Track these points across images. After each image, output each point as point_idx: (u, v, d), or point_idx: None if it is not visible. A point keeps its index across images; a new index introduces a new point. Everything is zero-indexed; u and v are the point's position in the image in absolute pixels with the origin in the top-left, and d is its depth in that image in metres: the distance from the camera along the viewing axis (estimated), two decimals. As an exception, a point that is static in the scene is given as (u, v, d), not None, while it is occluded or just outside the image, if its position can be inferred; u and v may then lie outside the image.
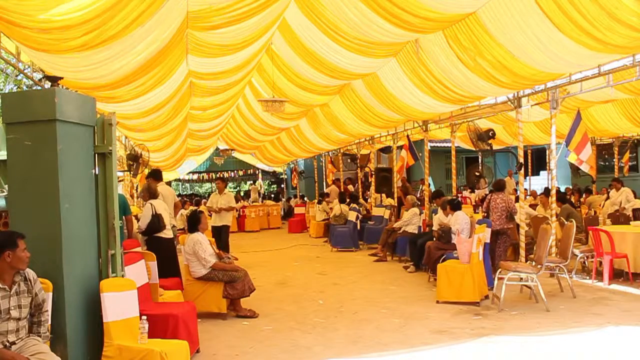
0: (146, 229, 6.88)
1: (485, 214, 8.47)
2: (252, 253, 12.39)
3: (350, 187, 17.73)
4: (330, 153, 19.16)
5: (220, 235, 10.66)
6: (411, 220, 10.24)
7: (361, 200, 15.04)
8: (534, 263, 6.71)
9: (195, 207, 14.40)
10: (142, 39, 4.93)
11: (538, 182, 18.94)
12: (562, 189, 13.97)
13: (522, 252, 8.39)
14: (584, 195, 13.53)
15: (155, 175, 8.27)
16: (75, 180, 3.94)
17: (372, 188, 15.16)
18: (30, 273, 3.45)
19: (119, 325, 3.91)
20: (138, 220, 7.29)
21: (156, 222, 6.85)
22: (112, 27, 4.15)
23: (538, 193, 13.93)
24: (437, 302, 6.76)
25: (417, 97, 8.75)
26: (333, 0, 6.16)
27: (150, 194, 7.24)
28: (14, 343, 3.30)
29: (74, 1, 3.62)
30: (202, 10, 5.35)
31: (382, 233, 11.03)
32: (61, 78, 4.47)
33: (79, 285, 3.90)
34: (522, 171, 8.97)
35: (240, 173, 28.75)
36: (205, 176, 28.36)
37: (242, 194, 28.30)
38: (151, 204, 6.98)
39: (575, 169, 13.86)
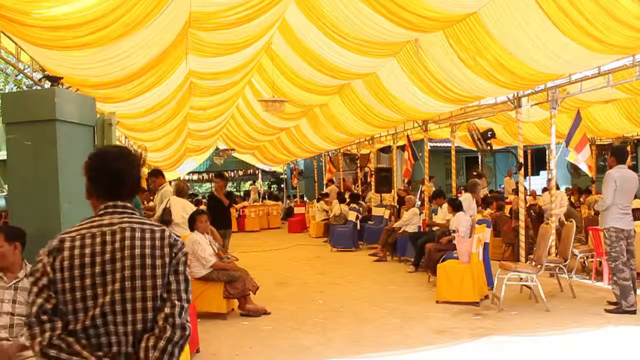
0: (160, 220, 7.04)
1: None
2: (252, 253, 12.38)
3: (350, 183, 17.67)
4: (330, 153, 19.16)
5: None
6: (411, 220, 10.24)
7: (360, 201, 15.05)
8: (533, 263, 6.71)
9: (196, 207, 14.38)
10: (145, 40, 4.94)
11: (538, 182, 18.93)
12: (562, 189, 13.95)
13: (522, 252, 8.40)
14: (583, 195, 13.52)
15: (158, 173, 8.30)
16: (75, 180, 3.93)
17: (373, 188, 15.16)
18: None
19: (119, 325, 3.89)
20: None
21: (162, 214, 6.97)
22: (117, 28, 4.17)
23: (537, 193, 13.91)
24: (437, 302, 6.76)
25: (417, 97, 8.74)
26: (333, 0, 6.16)
27: (176, 191, 7.52)
28: (7, 339, 3.29)
29: (79, 2, 3.63)
30: (205, 12, 5.36)
31: (382, 233, 11.03)
32: (61, 78, 4.47)
33: (79, 285, 3.89)
34: (522, 171, 8.97)
35: (240, 173, 28.75)
36: (205, 176, 28.38)
37: (242, 194, 28.33)
38: (168, 199, 7.11)
39: (574, 169, 13.85)
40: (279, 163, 23.99)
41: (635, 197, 10.94)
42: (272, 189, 30.35)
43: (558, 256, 7.35)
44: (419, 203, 12.19)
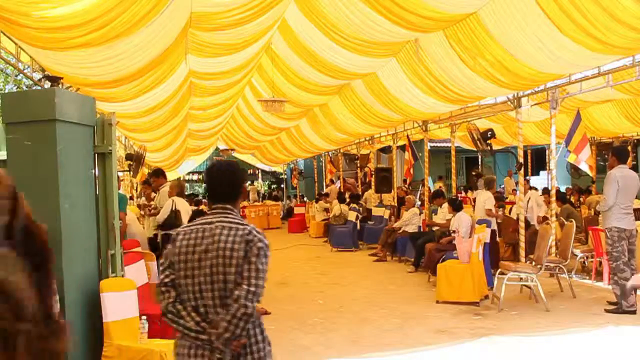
0: (163, 223, 7.04)
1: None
2: (252, 253, 12.37)
3: (353, 184, 17.65)
4: (330, 153, 19.15)
5: None
6: (411, 220, 10.23)
7: (360, 201, 15.05)
8: (533, 263, 6.71)
9: (196, 207, 14.39)
10: (146, 40, 4.94)
11: (538, 182, 18.92)
12: (562, 189, 13.95)
13: (522, 252, 8.39)
14: (583, 195, 13.52)
15: (159, 173, 8.31)
16: (75, 180, 3.94)
17: (373, 188, 15.15)
18: None
19: (118, 325, 3.90)
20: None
21: (173, 217, 6.99)
22: (115, 27, 4.16)
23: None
24: (437, 302, 6.76)
25: (417, 97, 8.74)
26: (333, 0, 6.16)
27: (178, 191, 7.45)
28: None
29: (79, 2, 3.63)
30: (205, 13, 5.35)
31: (382, 233, 11.02)
32: (61, 78, 4.47)
33: (78, 285, 3.89)
34: (522, 171, 8.97)
35: (240, 173, 28.65)
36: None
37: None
38: (173, 200, 7.11)
39: (574, 169, 13.84)
40: (279, 163, 23.98)
41: (636, 197, 10.93)
42: (272, 189, 30.28)
43: (558, 256, 7.36)
44: (419, 203, 12.19)
